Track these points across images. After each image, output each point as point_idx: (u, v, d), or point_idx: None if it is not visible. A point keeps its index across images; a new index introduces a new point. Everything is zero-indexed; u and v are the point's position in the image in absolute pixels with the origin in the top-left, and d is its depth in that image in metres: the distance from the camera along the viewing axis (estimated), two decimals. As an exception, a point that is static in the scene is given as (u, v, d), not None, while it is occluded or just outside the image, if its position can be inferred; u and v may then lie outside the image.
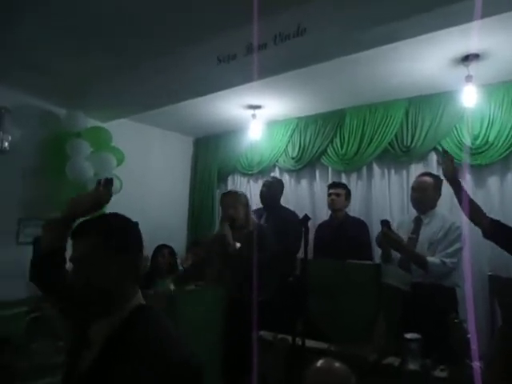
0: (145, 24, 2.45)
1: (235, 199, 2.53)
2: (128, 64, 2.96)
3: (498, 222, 2.01)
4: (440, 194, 2.58)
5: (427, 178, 2.60)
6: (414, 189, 2.61)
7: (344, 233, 3.11)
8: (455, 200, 2.15)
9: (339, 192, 3.24)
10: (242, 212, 2.51)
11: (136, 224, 1.08)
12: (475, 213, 1.99)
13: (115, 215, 1.06)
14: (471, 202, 2.02)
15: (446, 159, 2.16)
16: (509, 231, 1.93)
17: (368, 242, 3.20)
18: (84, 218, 1.11)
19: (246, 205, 2.57)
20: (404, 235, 2.49)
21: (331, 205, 3.24)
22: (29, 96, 3.32)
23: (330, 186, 3.34)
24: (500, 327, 1.91)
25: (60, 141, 3.27)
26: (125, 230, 1.04)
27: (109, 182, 1.33)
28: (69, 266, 1.06)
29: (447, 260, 2.23)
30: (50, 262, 1.19)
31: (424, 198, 2.53)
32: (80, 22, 2.39)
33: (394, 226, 2.65)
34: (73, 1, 2.19)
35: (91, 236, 0.98)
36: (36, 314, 3.00)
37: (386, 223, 2.40)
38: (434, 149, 3.34)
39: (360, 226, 3.26)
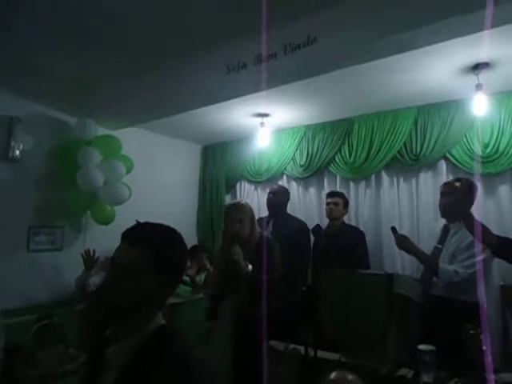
0: (155, 34, 2.47)
1: (241, 212, 2.35)
2: (138, 73, 2.99)
3: (505, 238, 1.97)
4: (472, 202, 2.35)
5: (457, 183, 2.41)
6: (442, 194, 2.46)
7: (340, 241, 3.11)
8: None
9: (337, 201, 3.27)
10: (248, 226, 2.34)
11: (186, 246, 1.05)
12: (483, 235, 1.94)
13: (172, 235, 1.03)
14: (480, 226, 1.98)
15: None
16: None
17: (365, 251, 3.21)
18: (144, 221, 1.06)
19: (253, 218, 2.40)
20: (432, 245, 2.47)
21: (329, 213, 3.27)
22: (40, 105, 3.36)
23: (329, 195, 3.36)
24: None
25: (71, 149, 3.30)
26: (176, 253, 1.01)
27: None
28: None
29: (461, 270, 2.19)
30: None
31: (452, 205, 2.34)
32: (91, 31, 2.42)
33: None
34: (84, 10, 2.22)
35: (144, 250, 0.94)
36: (45, 321, 3.01)
37: (394, 229, 2.46)
38: (444, 157, 3.33)
39: (357, 234, 3.27)
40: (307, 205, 4.07)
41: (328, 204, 3.28)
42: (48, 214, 3.34)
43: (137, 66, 2.89)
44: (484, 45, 2.23)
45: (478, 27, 1.89)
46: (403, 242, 2.43)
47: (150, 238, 0.97)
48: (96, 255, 3.30)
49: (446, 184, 2.52)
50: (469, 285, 2.18)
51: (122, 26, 2.40)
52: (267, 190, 4.27)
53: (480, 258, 2.17)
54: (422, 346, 1.68)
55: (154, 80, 3.05)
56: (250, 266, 2.27)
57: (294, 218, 3.56)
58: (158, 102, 3.19)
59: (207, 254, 4.02)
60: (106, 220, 3.39)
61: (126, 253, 0.94)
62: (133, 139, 3.85)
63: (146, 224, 1.02)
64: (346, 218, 3.50)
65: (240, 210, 2.34)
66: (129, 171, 3.53)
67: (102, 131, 3.56)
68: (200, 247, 4.18)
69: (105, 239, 3.08)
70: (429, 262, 2.37)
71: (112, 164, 3.36)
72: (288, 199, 3.65)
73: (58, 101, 3.34)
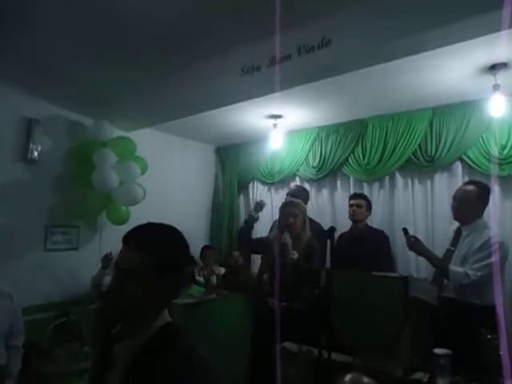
0: (170, 35, 2.50)
1: (296, 208, 2.59)
2: (153, 76, 3.03)
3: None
4: (485, 205, 2.40)
5: (470, 187, 2.43)
6: (454, 198, 2.48)
7: (365, 244, 3.09)
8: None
9: (360, 203, 3.23)
10: (301, 221, 2.57)
11: (187, 242, 1.04)
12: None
13: (172, 230, 1.02)
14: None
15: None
16: None
17: (389, 254, 3.17)
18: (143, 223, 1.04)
19: (305, 216, 2.63)
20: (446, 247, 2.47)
21: (352, 216, 3.24)
22: (58, 107, 3.42)
23: (352, 197, 3.33)
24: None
25: (87, 150, 3.35)
26: (179, 253, 1.00)
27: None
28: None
29: (471, 272, 2.17)
30: None
31: (464, 208, 2.39)
32: (106, 34, 2.46)
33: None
34: (99, 13, 2.26)
35: (146, 253, 0.93)
36: (62, 319, 3.07)
37: (405, 230, 2.48)
38: (460, 159, 3.28)
39: (381, 237, 3.24)
40: (320, 206, 4.06)
41: (351, 206, 3.24)
42: (64, 214, 3.40)
43: (152, 68, 2.93)
44: (502, 45, 2.20)
45: (495, 27, 1.86)
46: (414, 244, 2.42)
47: (150, 241, 0.96)
48: (112, 255, 3.35)
49: (459, 188, 2.54)
50: (479, 287, 2.17)
51: (136, 31, 2.44)
52: (280, 192, 4.30)
53: (491, 260, 2.15)
54: (437, 350, 1.66)
55: (169, 82, 3.09)
56: (297, 254, 2.42)
57: (312, 220, 3.56)
58: (172, 104, 3.22)
59: (216, 255, 4.05)
60: (121, 220, 3.43)
61: (127, 257, 0.94)
62: (147, 140, 3.89)
63: (147, 225, 1.01)
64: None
65: (295, 206, 2.60)
66: (143, 172, 3.57)
67: (117, 133, 3.61)
68: (211, 248, 4.20)
69: (120, 239, 3.10)
70: (439, 264, 2.36)
71: (127, 165, 3.41)
72: (307, 200, 3.62)
73: (75, 103, 3.41)
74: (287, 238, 2.43)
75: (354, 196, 3.33)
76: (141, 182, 3.51)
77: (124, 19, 2.32)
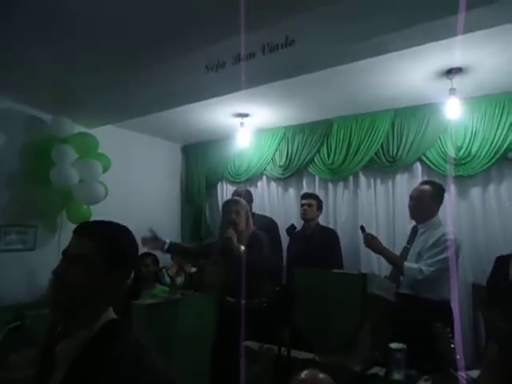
0: (133, 32, 2.44)
1: (237, 205, 2.62)
2: (115, 71, 2.94)
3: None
4: (440, 204, 2.49)
5: (425, 187, 2.51)
6: (411, 197, 2.55)
7: (316, 242, 3.17)
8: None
9: (311, 202, 3.32)
10: (244, 218, 2.59)
11: (137, 244, 1.05)
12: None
13: (124, 229, 1.02)
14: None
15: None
16: None
17: (339, 251, 3.27)
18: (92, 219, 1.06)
19: (247, 212, 2.66)
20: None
21: (303, 215, 3.32)
22: (13, 101, 3.27)
23: (303, 197, 3.41)
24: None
25: (45, 146, 3.22)
26: (128, 247, 1.00)
27: None
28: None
29: (424, 268, 2.24)
30: None
31: (419, 207, 2.47)
32: (67, 27, 2.38)
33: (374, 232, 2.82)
34: (61, 6, 2.18)
35: (95, 241, 0.93)
36: (17, 323, 2.93)
37: (362, 228, 2.57)
38: (419, 159, 3.40)
39: (331, 235, 3.33)
40: (286, 205, 4.09)
41: (302, 205, 3.33)
42: (20, 213, 3.25)
43: (114, 64, 2.84)
44: (457, 50, 2.29)
45: (451, 32, 1.94)
46: (370, 241, 2.50)
47: (99, 232, 0.97)
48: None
49: (415, 188, 2.63)
50: (433, 282, 2.25)
51: (99, 26, 2.37)
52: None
53: (443, 256, 2.23)
54: (392, 345, 1.71)
55: (131, 78, 3.01)
56: (243, 247, 2.44)
57: (262, 216, 3.60)
58: (136, 101, 3.15)
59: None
60: (82, 219, 3.31)
61: (75, 245, 0.95)
62: (111, 137, 3.79)
63: (99, 221, 1.02)
64: (323, 219, 3.54)
65: (237, 204, 2.64)
66: (106, 170, 3.47)
67: (79, 129, 3.49)
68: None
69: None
70: (394, 261, 2.43)
71: (88, 162, 3.30)
72: (252, 200, 3.67)
73: (33, 97, 3.26)
74: (230, 232, 2.46)
75: (305, 196, 3.41)
76: (103, 180, 3.40)
77: (87, 15, 2.25)
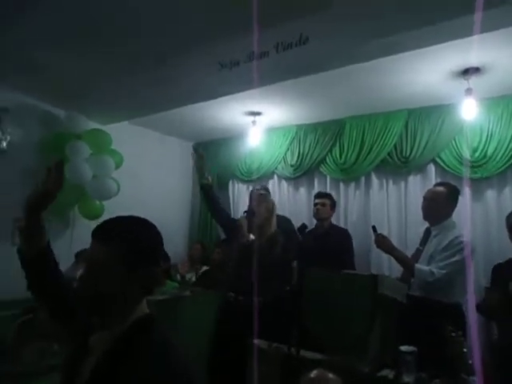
0: (147, 32, 2.46)
1: (262, 197, 2.63)
2: (130, 69, 2.96)
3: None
4: (454, 205, 2.44)
5: (440, 188, 2.48)
6: (424, 198, 2.51)
7: (328, 241, 3.14)
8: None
9: (325, 202, 3.30)
10: (264, 210, 2.56)
11: (160, 234, 1.01)
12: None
13: (143, 223, 0.99)
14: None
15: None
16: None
17: (351, 251, 3.24)
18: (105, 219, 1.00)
19: (271, 207, 2.63)
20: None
21: (316, 214, 3.31)
22: (29, 97, 3.32)
23: (316, 196, 3.40)
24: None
25: (60, 142, 3.26)
26: (147, 241, 0.97)
27: (59, 165, 1.18)
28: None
29: (436, 270, 2.21)
30: (36, 266, 1.14)
31: (433, 208, 2.43)
32: (82, 23, 2.39)
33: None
34: (75, 2, 2.20)
35: (109, 244, 0.92)
36: (28, 316, 2.96)
37: (374, 228, 2.52)
38: (433, 161, 3.35)
39: (344, 235, 3.31)
40: (297, 204, 4.08)
41: (315, 205, 3.31)
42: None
43: (129, 62, 2.86)
44: (474, 50, 2.25)
45: (466, 32, 1.91)
46: (381, 242, 2.46)
47: (117, 234, 0.94)
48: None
49: (429, 189, 2.59)
50: (444, 285, 2.21)
51: (114, 22, 2.38)
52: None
53: (456, 259, 2.20)
54: (403, 347, 1.69)
55: (145, 76, 3.02)
56: (252, 236, 2.42)
57: (285, 218, 3.56)
58: (149, 99, 3.17)
59: (203, 252, 4.02)
60: (94, 215, 3.35)
61: (95, 251, 0.94)
62: (124, 134, 3.81)
63: (116, 218, 0.99)
64: (334, 219, 3.51)
65: (262, 196, 2.65)
66: (118, 166, 3.50)
67: (93, 125, 3.52)
68: (199, 244, 4.20)
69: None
70: (405, 262, 2.40)
71: (101, 158, 3.33)
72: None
73: (49, 94, 3.31)
74: (242, 220, 2.45)
75: (319, 195, 3.39)
76: (116, 177, 3.43)
77: (101, 9, 2.26)
